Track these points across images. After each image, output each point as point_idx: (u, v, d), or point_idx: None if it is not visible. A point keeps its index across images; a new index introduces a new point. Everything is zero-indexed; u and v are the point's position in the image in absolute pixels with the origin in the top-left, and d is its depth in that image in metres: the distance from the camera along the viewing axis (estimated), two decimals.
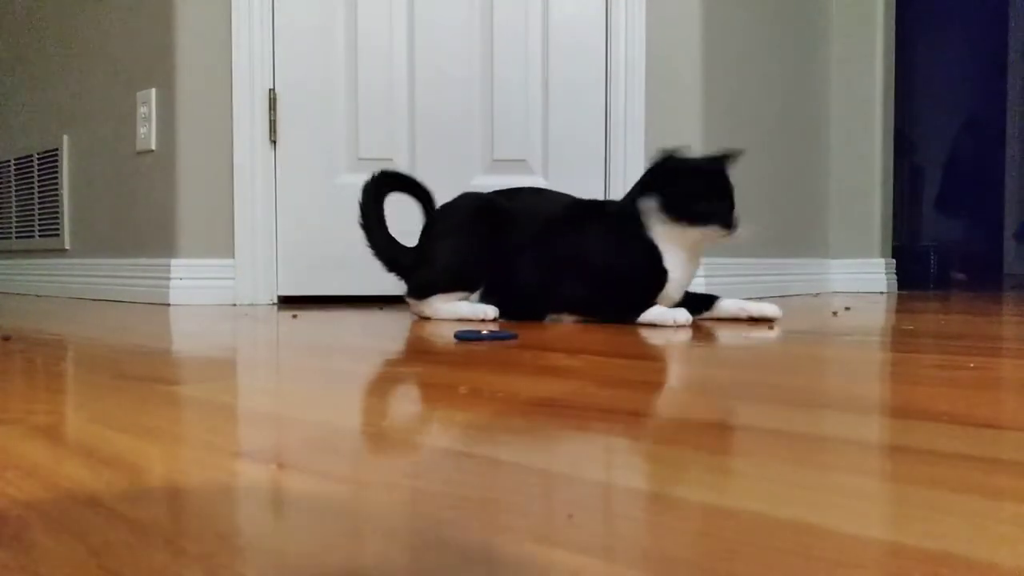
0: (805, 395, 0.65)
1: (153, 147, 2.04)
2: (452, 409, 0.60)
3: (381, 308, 1.84)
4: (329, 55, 2.00)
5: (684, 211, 1.39)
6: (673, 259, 1.43)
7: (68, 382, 0.74)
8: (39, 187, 2.60)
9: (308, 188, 2.00)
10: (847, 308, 1.81)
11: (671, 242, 1.42)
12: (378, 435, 0.51)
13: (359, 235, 1.62)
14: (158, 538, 0.32)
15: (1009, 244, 5.29)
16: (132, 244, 2.15)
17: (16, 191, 2.76)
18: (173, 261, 1.96)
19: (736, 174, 2.24)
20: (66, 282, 2.44)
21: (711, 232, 1.40)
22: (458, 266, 1.52)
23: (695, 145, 2.08)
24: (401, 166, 2.03)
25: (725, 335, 1.18)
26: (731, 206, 1.43)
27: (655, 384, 0.72)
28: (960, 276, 3.85)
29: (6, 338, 1.15)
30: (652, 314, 1.38)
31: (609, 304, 1.43)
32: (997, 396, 0.64)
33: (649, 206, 1.42)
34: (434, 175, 2.04)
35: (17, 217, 2.75)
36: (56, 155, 2.49)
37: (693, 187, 1.39)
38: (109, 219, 2.25)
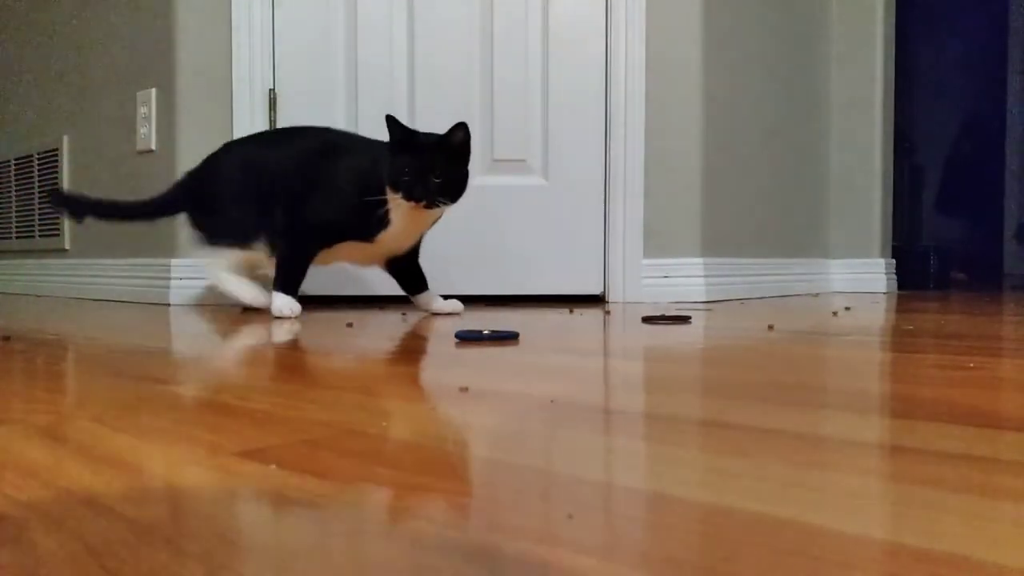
0: (805, 395, 0.65)
1: (153, 147, 2.04)
2: (452, 408, 0.60)
3: (381, 308, 1.84)
4: (329, 55, 2.00)
5: (390, 180, 1.50)
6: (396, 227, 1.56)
7: (68, 382, 0.74)
8: (39, 187, 2.60)
9: None
10: (847, 308, 1.81)
11: (397, 208, 1.52)
12: (378, 435, 0.51)
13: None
14: (158, 538, 0.32)
15: (1009, 244, 5.29)
16: (132, 244, 2.15)
17: (16, 191, 2.76)
18: (173, 261, 1.96)
19: (737, 174, 2.25)
20: (66, 282, 2.44)
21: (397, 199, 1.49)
22: None
23: (695, 145, 2.08)
24: None
25: (723, 334, 1.18)
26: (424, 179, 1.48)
27: (654, 384, 0.72)
28: (960, 276, 3.85)
29: (6, 338, 1.15)
30: (277, 301, 1.56)
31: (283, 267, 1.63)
32: (997, 396, 0.64)
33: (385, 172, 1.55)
34: None
35: (17, 217, 2.75)
36: (56, 155, 2.49)
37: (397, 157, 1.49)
38: None
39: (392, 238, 1.56)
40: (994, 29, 5.21)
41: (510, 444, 0.48)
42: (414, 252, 1.66)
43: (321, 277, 2.00)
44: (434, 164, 1.46)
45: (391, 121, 1.50)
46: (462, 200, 2.05)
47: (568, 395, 0.66)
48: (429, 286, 1.69)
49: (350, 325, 1.37)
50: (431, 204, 1.47)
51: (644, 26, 2.05)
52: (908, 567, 0.29)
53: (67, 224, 2.46)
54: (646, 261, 2.07)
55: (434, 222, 1.61)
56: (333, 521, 0.34)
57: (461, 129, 1.49)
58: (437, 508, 0.36)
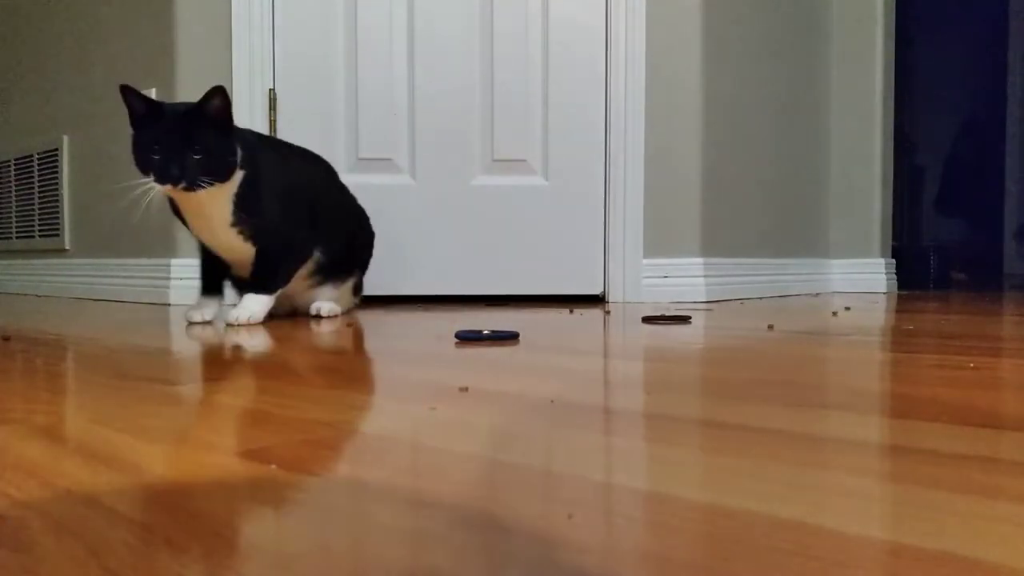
0: (805, 395, 0.65)
1: None
2: (452, 409, 0.60)
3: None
4: (329, 55, 2.00)
5: (136, 161, 1.31)
6: (190, 221, 1.39)
7: (68, 382, 0.74)
8: (39, 187, 2.60)
9: None
10: (847, 308, 1.81)
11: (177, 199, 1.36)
12: (378, 435, 0.51)
13: None
14: (158, 538, 0.32)
15: (1009, 244, 5.29)
16: (132, 244, 2.15)
17: (16, 191, 2.76)
18: (173, 261, 1.96)
19: (736, 174, 2.25)
20: (66, 282, 2.44)
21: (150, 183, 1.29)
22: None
23: (695, 145, 2.08)
24: (401, 166, 2.03)
25: (723, 334, 1.18)
26: (176, 155, 1.27)
27: (654, 384, 0.72)
28: (960, 276, 3.85)
29: (6, 338, 1.15)
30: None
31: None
32: (997, 396, 0.64)
33: None
34: (434, 175, 2.04)
35: (17, 217, 2.75)
36: (56, 155, 2.49)
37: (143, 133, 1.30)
38: (109, 219, 2.25)
39: (194, 228, 1.41)
40: (994, 29, 5.21)
41: (510, 444, 0.48)
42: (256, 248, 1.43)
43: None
44: (189, 138, 1.26)
45: (126, 92, 1.29)
46: (462, 199, 2.06)
47: (568, 395, 0.65)
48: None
49: (350, 325, 1.37)
50: (191, 186, 1.28)
51: (644, 26, 2.05)
52: (908, 567, 0.29)
53: (67, 224, 2.46)
54: (646, 261, 2.07)
55: (233, 208, 1.36)
56: (333, 521, 0.34)
57: (218, 95, 1.28)
58: (437, 508, 0.36)
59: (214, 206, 1.35)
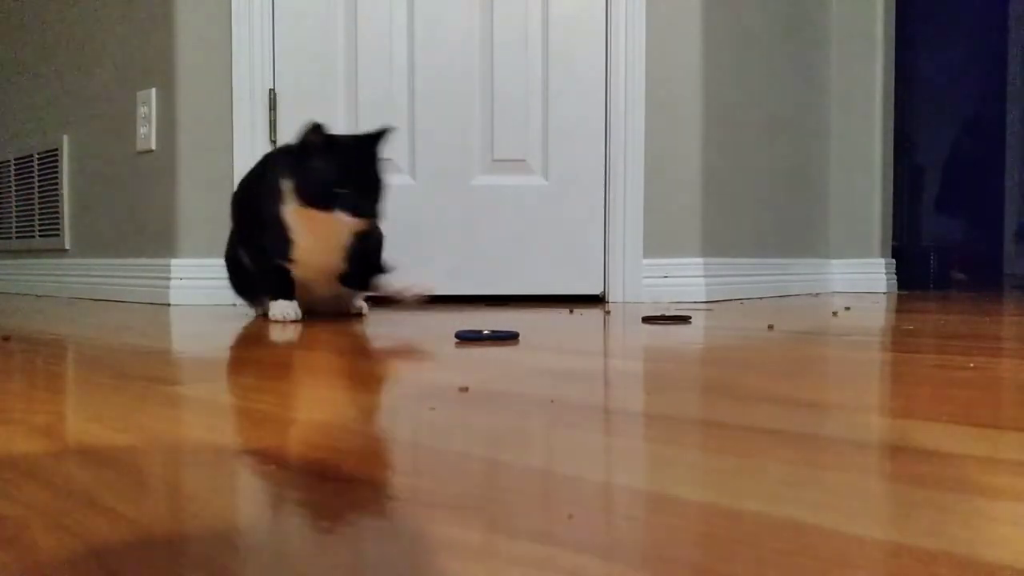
0: (805, 395, 0.65)
1: (153, 147, 2.04)
2: (452, 409, 0.60)
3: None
4: (329, 55, 2.00)
5: (312, 195, 1.34)
6: (307, 244, 1.39)
7: (68, 382, 0.74)
8: (39, 187, 2.60)
9: None
10: (847, 308, 1.81)
11: (303, 225, 1.37)
12: (378, 435, 0.51)
13: None
14: (158, 538, 0.32)
15: (1009, 244, 5.29)
16: (132, 244, 2.15)
17: (16, 191, 2.76)
18: (173, 261, 1.96)
19: (736, 174, 2.25)
20: (66, 282, 2.44)
21: (341, 217, 1.33)
22: None
23: (695, 145, 2.08)
24: (401, 166, 2.03)
25: (723, 334, 1.18)
26: (365, 190, 1.35)
27: (654, 384, 0.72)
28: (960, 276, 3.85)
29: (6, 338, 1.15)
30: (272, 309, 1.43)
31: (256, 285, 1.53)
32: (997, 396, 0.64)
33: (287, 186, 1.37)
34: (434, 175, 2.04)
35: (17, 217, 2.75)
36: (56, 155, 2.49)
37: (325, 167, 1.34)
38: (109, 219, 2.25)
39: (314, 251, 1.43)
40: (994, 29, 5.21)
41: (510, 444, 0.48)
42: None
43: None
44: (373, 171, 1.36)
45: (311, 133, 1.36)
46: (462, 199, 2.06)
47: (568, 395, 0.65)
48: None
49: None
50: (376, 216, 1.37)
51: (644, 26, 2.05)
52: (908, 567, 0.29)
53: (67, 224, 2.46)
54: (646, 261, 2.07)
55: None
56: (333, 522, 0.34)
57: (388, 131, 1.41)
58: (438, 508, 0.36)
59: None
